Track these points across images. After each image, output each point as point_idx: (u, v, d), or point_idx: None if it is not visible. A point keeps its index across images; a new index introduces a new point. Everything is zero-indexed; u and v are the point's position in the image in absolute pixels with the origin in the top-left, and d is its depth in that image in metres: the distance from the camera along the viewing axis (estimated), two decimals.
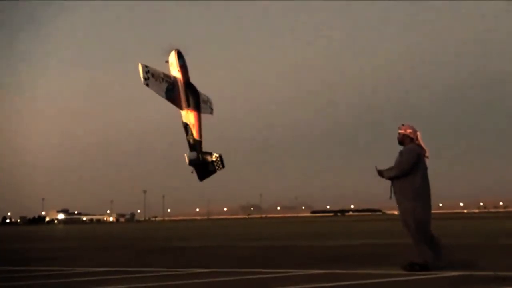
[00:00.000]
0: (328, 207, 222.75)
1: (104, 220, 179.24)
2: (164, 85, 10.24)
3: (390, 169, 7.85)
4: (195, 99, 10.74)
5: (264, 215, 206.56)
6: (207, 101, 11.52)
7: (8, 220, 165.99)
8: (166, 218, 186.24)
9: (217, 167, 10.59)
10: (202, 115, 10.92)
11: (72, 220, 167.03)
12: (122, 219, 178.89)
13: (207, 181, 10.94)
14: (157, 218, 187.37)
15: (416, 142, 7.90)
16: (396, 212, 8.14)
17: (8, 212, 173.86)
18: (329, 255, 11.39)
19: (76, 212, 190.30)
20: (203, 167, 10.58)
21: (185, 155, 10.52)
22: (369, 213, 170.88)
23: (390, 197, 7.88)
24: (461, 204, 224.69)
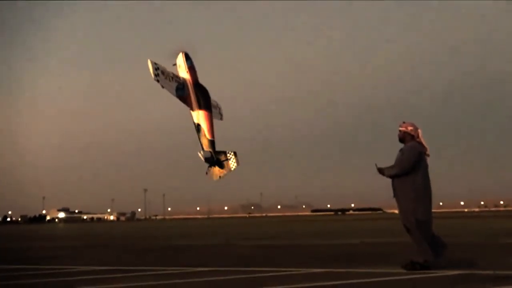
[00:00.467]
0: (328, 206, 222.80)
1: (104, 218, 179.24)
2: (174, 84, 10.30)
3: (391, 167, 7.83)
4: (206, 99, 10.80)
5: (264, 214, 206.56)
6: (217, 107, 11.64)
7: (8, 219, 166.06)
8: (167, 217, 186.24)
9: (232, 165, 10.58)
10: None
11: (72, 219, 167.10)
12: (122, 218, 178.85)
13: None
14: (157, 217, 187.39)
15: (417, 139, 7.88)
16: (396, 211, 8.12)
17: (9, 211, 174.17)
18: (329, 253, 11.39)
19: (76, 211, 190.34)
20: (218, 165, 10.58)
21: (200, 154, 10.56)
22: (370, 212, 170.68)
23: (393, 196, 7.86)
24: (462, 203, 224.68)
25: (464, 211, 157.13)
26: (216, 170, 10.66)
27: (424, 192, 7.67)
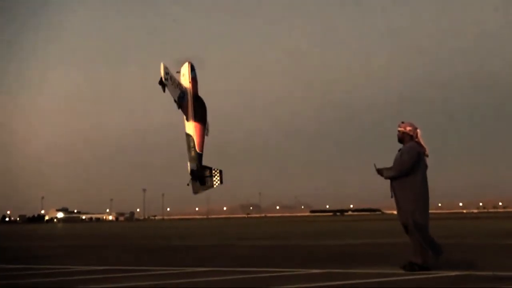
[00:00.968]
0: (327, 206, 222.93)
1: (103, 218, 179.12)
2: (178, 91, 10.50)
3: (390, 168, 7.82)
4: (202, 113, 10.94)
5: (263, 215, 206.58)
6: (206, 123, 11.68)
7: (7, 219, 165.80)
8: (166, 217, 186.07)
9: (215, 183, 10.71)
10: None
11: (71, 219, 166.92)
12: (121, 218, 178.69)
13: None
14: (156, 217, 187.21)
15: (416, 140, 7.87)
16: (395, 212, 8.13)
17: (8, 210, 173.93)
18: (328, 254, 11.39)
19: (75, 211, 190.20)
20: (201, 180, 10.68)
21: (188, 165, 10.67)
22: (369, 213, 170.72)
23: (392, 197, 7.85)
24: (461, 204, 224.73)
25: (463, 212, 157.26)
26: (197, 185, 10.73)
27: (423, 194, 7.65)
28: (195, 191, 10.80)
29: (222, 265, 9.20)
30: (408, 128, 7.90)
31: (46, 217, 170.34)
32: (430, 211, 7.77)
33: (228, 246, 15.02)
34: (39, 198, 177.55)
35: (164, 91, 10.31)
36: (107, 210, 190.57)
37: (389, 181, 7.87)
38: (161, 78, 10.00)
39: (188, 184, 10.73)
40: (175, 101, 10.50)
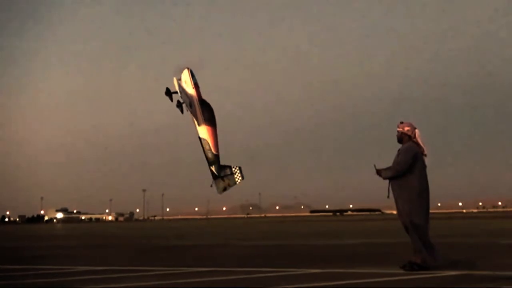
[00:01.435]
0: (327, 206, 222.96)
1: (103, 219, 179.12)
2: (188, 100, 10.93)
3: (388, 169, 7.85)
4: (210, 115, 11.18)
5: (263, 215, 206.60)
6: None
7: (7, 219, 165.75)
8: (165, 217, 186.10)
9: (236, 179, 10.95)
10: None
11: (71, 219, 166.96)
12: (121, 218, 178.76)
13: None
14: (156, 217, 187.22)
15: (414, 140, 7.89)
16: (395, 212, 8.14)
17: (7, 211, 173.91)
18: (328, 254, 11.40)
19: (75, 211, 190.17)
20: (222, 179, 10.93)
21: (213, 184, 10.90)
22: (368, 213, 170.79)
23: (388, 196, 7.88)
24: (460, 204, 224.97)
25: (462, 212, 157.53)
26: (221, 183, 10.98)
27: (420, 194, 7.65)
28: (220, 191, 11.02)
29: (222, 265, 9.20)
30: (407, 128, 7.93)
31: (46, 218, 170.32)
32: (429, 211, 7.78)
33: (228, 246, 15.03)
34: (38, 199, 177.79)
35: (171, 100, 10.91)
36: (107, 211, 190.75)
37: (388, 181, 7.90)
38: (167, 89, 10.56)
39: (211, 186, 10.98)
40: (178, 106, 10.95)
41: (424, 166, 7.81)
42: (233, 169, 10.96)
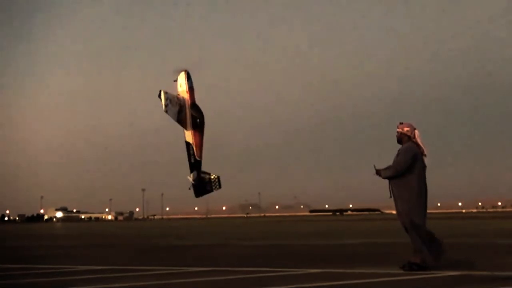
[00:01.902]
0: (326, 206, 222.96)
1: (102, 218, 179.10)
2: (177, 108, 10.85)
3: (387, 168, 7.87)
4: (200, 121, 11.20)
5: (262, 214, 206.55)
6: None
7: (6, 218, 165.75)
8: (165, 217, 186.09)
9: (214, 187, 11.18)
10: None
11: (70, 218, 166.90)
12: (120, 218, 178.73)
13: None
14: (155, 217, 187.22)
15: (413, 140, 7.91)
16: (394, 212, 8.16)
17: (7, 209, 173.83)
18: (327, 254, 11.41)
19: (74, 210, 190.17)
20: (202, 185, 11.14)
21: (189, 177, 11.04)
22: (368, 213, 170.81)
23: (390, 197, 7.91)
24: (460, 204, 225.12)
25: (462, 212, 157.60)
26: (198, 189, 11.16)
27: (419, 193, 7.67)
28: (197, 195, 11.22)
29: (222, 264, 9.21)
30: (406, 129, 7.95)
31: (45, 217, 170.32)
32: (429, 211, 7.81)
33: (227, 246, 15.04)
34: (38, 198, 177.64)
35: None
36: (106, 210, 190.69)
37: (388, 181, 7.93)
38: (160, 92, 10.43)
39: (189, 188, 11.12)
40: (174, 120, 10.87)
41: (423, 166, 7.84)
42: (212, 177, 11.13)
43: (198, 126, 11.11)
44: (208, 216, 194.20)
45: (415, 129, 7.97)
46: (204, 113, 11.51)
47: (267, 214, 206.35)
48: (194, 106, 11.18)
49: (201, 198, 11.41)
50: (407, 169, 7.70)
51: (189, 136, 11.07)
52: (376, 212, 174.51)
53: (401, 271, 7.46)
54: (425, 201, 7.73)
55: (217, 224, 49.48)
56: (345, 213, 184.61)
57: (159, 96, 10.44)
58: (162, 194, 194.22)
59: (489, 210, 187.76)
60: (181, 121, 10.97)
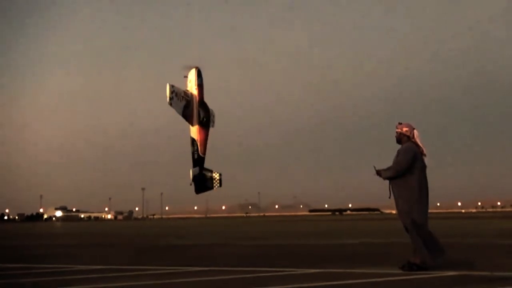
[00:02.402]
0: (326, 206, 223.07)
1: (102, 217, 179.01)
2: (183, 103, 10.82)
3: (388, 169, 7.88)
4: (207, 117, 11.24)
5: (262, 214, 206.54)
6: (211, 114, 11.86)
7: (5, 217, 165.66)
8: (164, 216, 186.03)
9: (215, 185, 11.18)
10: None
11: (70, 218, 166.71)
12: (120, 217, 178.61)
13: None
14: (155, 216, 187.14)
15: (413, 140, 7.92)
16: (394, 212, 8.17)
17: (6, 209, 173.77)
18: (327, 254, 11.41)
19: (74, 210, 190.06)
20: (203, 182, 11.15)
21: (190, 171, 11.04)
22: (367, 212, 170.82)
23: (390, 197, 7.92)
24: (459, 203, 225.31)
25: (461, 212, 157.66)
26: (199, 186, 11.17)
27: (420, 193, 7.69)
28: (197, 192, 11.22)
29: (221, 264, 9.21)
30: (405, 129, 7.96)
31: (45, 216, 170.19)
32: (428, 211, 7.81)
33: (227, 246, 15.04)
34: (37, 197, 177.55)
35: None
36: (106, 209, 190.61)
37: (388, 181, 7.93)
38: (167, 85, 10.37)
39: (191, 184, 11.11)
40: (179, 114, 10.85)
41: (423, 166, 7.85)
42: (214, 174, 11.15)
43: (203, 123, 11.14)
44: (208, 215, 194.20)
45: (414, 129, 7.98)
46: (213, 111, 11.56)
47: (266, 214, 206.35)
48: (202, 103, 11.21)
49: (200, 198, 11.45)
50: (407, 169, 7.71)
51: (194, 132, 11.11)
52: (376, 212, 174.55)
53: (401, 271, 7.47)
54: (426, 200, 7.73)
55: (217, 224, 49.47)
56: (344, 212, 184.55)
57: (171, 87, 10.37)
58: (162, 194, 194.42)
59: (488, 210, 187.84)
60: (187, 116, 10.96)
